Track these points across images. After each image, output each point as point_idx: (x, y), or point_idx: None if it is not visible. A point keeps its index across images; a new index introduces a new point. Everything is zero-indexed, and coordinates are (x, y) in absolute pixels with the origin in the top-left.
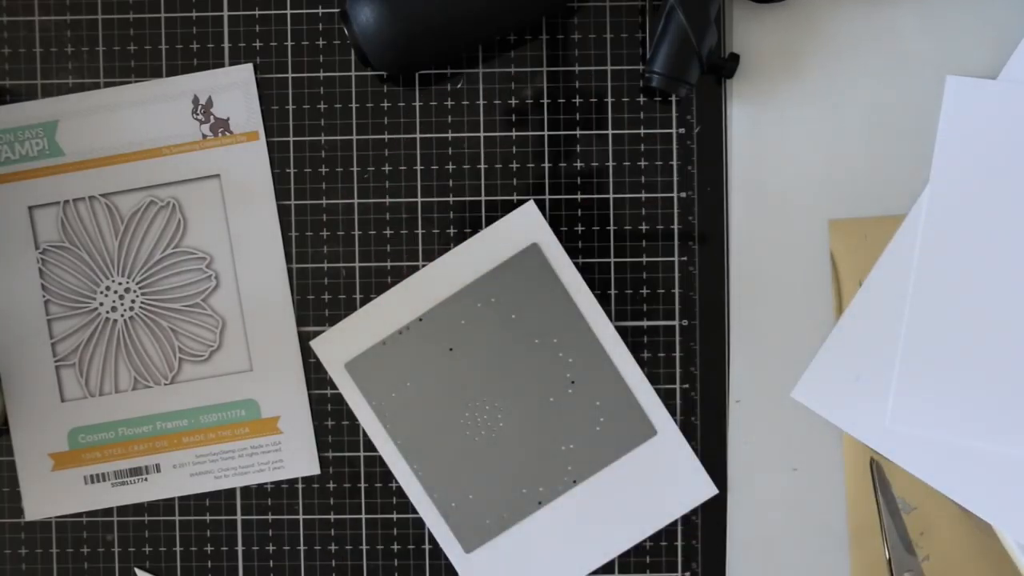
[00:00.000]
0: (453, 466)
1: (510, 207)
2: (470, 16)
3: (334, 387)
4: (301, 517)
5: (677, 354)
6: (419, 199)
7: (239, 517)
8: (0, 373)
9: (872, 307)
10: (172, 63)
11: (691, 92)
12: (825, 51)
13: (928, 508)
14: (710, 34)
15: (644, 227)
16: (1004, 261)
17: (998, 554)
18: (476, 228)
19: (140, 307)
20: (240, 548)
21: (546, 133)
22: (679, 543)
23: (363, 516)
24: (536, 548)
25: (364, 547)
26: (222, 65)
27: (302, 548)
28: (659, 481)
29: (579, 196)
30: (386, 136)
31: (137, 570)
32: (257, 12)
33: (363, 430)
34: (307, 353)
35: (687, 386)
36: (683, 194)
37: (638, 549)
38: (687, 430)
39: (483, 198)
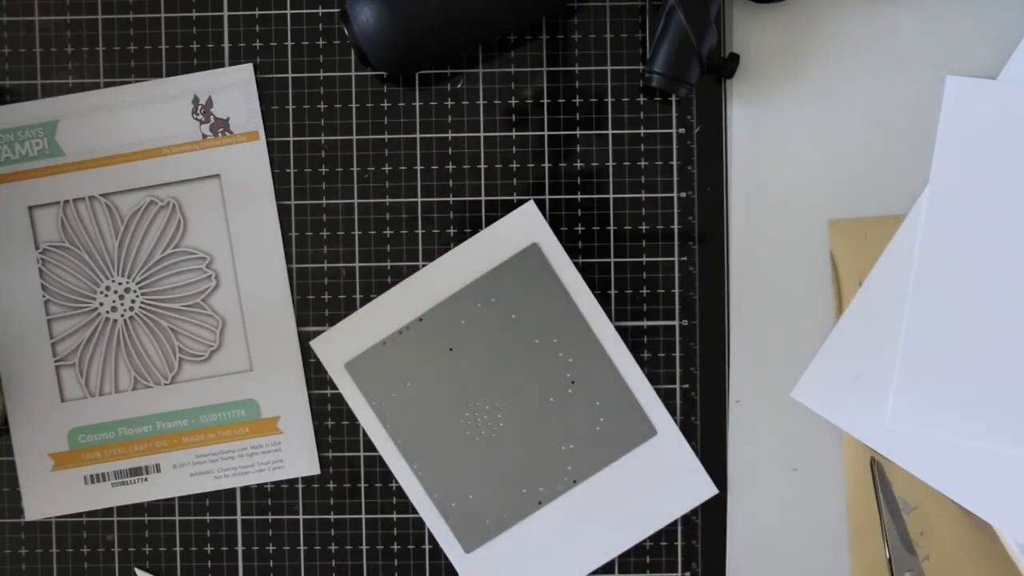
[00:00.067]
0: (453, 466)
1: (510, 207)
2: (470, 16)
3: (334, 387)
4: (301, 517)
5: (677, 354)
6: (419, 199)
7: (239, 517)
8: (0, 373)
9: (872, 307)
10: (172, 63)
11: (691, 92)
12: (825, 51)
13: (928, 508)
14: (710, 34)
15: (644, 227)
16: (1004, 261)
17: (998, 554)
18: (476, 228)
19: (140, 307)
20: (240, 548)
21: (546, 133)
22: (679, 543)
23: (363, 516)
24: (536, 548)
25: (364, 547)
26: (222, 65)
27: (302, 548)
28: (659, 481)
29: (579, 196)
30: (386, 136)
31: (137, 570)
32: (257, 12)
33: (363, 430)
34: (307, 353)
35: (687, 386)
36: (683, 194)
37: (638, 549)
38: (687, 430)
39: (483, 198)
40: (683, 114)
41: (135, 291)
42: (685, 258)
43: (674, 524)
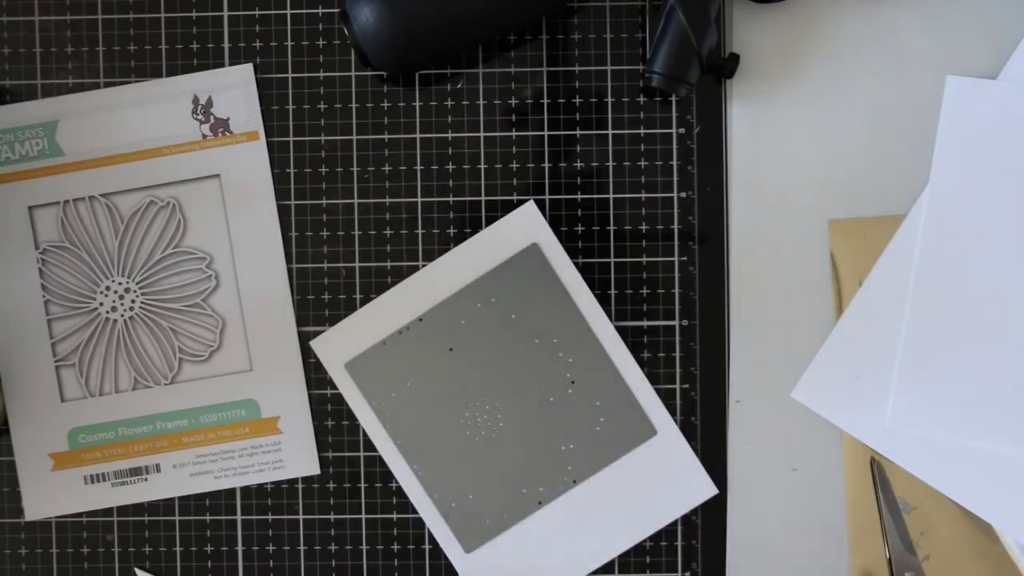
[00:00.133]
0: (453, 466)
1: (510, 207)
2: (470, 16)
3: (334, 387)
4: (301, 517)
5: (677, 354)
6: (419, 199)
7: (239, 517)
8: (0, 373)
9: (872, 307)
10: (172, 63)
11: (691, 92)
12: (825, 51)
13: (928, 508)
14: (710, 34)
15: (644, 227)
16: (1004, 261)
17: (998, 554)
18: (476, 228)
19: (140, 307)
20: (240, 548)
21: (546, 133)
22: (679, 543)
23: (363, 516)
24: (536, 548)
25: (364, 547)
26: (222, 65)
27: (302, 548)
28: (659, 481)
29: (579, 196)
30: (386, 136)
31: (137, 570)
32: (257, 12)
33: (363, 430)
34: (307, 353)
35: (687, 386)
36: (683, 194)
37: (638, 549)
38: (687, 430)
39: (483, 198)
40: (683, 114)
41: (135, 291)
42: (685, 258)
43: (674, 524)
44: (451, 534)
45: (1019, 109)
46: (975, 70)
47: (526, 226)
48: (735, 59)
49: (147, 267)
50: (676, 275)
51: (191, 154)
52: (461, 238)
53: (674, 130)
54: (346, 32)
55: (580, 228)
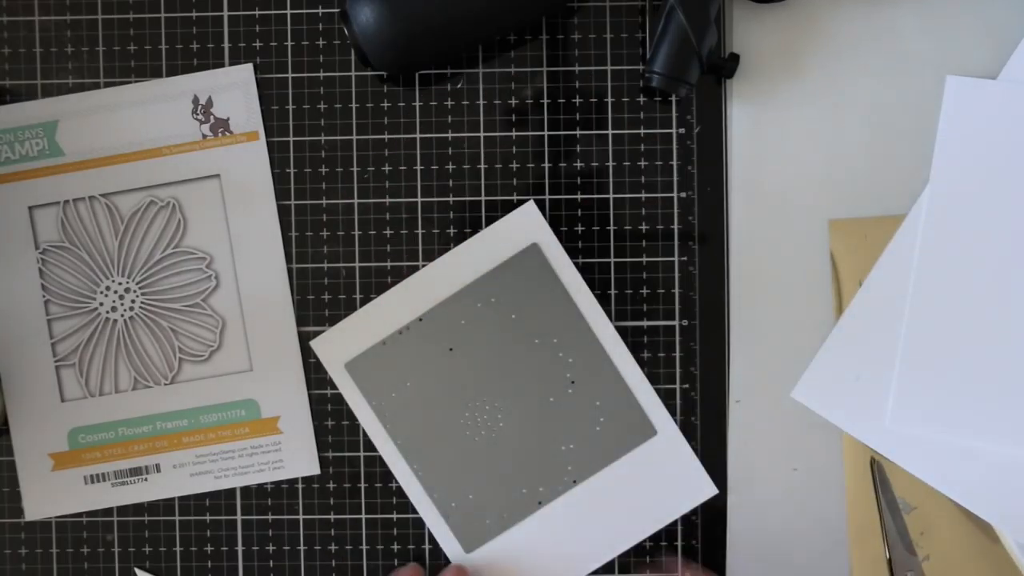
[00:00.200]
0: (453, 466)
1: (510, 207)
2: (470, 16)
3: (334, 387)
4: (301, 517)
5: (677, 354)
6: (419, 199)
7: (239, 517)
8: (0, 373)
9: (872, 307)
10: (172, 63)
11: (691, 92)
12: (825, 51)
13: (928, 508)
14: (710, 34)
15: (644, 227)
16: (1004, 261)
17: (998, 554)
18: (476, 228)
19: (140, 307)
20: (240, 548)
21: (546, 133)
22: (679, 543)
23: (363, 516)
24: (536, 548)
25: (364, 547)
26: (222, 65)
27: (302, 548)
28: (659, 481)
29: (579, 196)
30: (386, 136)
31: (137, 570)
32: (257, 12)
33: (363, 430)
34: (307, 353)
35: (687, 386)
36: (683, 194)
37: (638, 549)
38: (687, 430)
39: (483, 198)
40: (683, 114)
41: (135, 291)
42: (685, 258)
43: (674, 524)
44: (451, 534)
45: (1019, 109)
46: (975, 70)
47: (526, 226)
48: (735, 59)
49: (147, 267)
50: (676, 275)
51: (191, 154)
52: (461, 238)
53: (674, 130)
54: (346, 32)
55: (580, 228)
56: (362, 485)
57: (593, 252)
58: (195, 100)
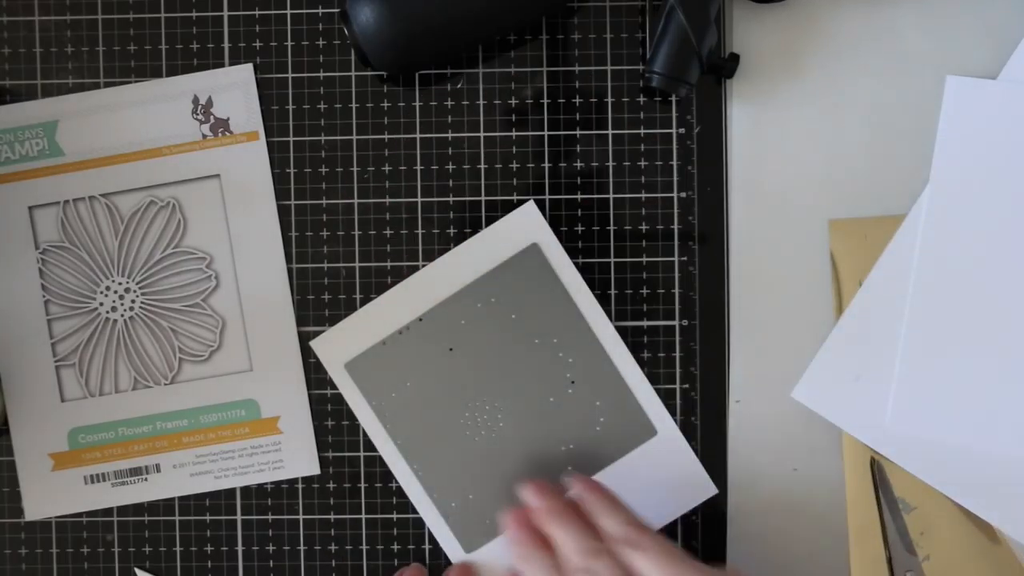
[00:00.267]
0: (453, 466)
1: (510, 207)
2: (470, 16)
3: (334, 387)
4: (301, 517)
5: (677, 354)
6: (419, 199)
7: (239, 517)
8: (0, 373)
9: (872, 307)
10: (172, 63)
11: (691, 92)
12: (825, 51)
13: (928, 508)
14: (710, 34)
15: (644, 227)
16: (1004, 261)
17: (998, 554)
18: (476, 228)
19: (140, 307)
20: (240, 548)
21: (546, 133)
22: (679, 543)
23: (363, 516)
24: None
25: (364, 547)
26: (222, 65)
27: (302, 548)
28: (659, 481)
29: (579, 196)
30: (386, 136)
31: (137, 570)
32: (257, 12)
33: (363, 430)
34: (307, 353)
35: (687, 386)
36: (683, 194)
37: None
38: (687, 430)
39: (483, 198)
40: (683, 114)
41: (135, 291)
42: (685, 258)
43: (674, 524)
44: (451, 534)
45: (1019, 109)
46: (975, 70)
47: (526, 226)
48: (735, 59)
49: (147, 267)
50: (676, 275)
51: (191, 154)
52: (461, 238)
53: (674, 130)
54: (346, 32)
55: (580, 228)
56: (362, 485)
57: (593, 252)
58: (195, 100)
